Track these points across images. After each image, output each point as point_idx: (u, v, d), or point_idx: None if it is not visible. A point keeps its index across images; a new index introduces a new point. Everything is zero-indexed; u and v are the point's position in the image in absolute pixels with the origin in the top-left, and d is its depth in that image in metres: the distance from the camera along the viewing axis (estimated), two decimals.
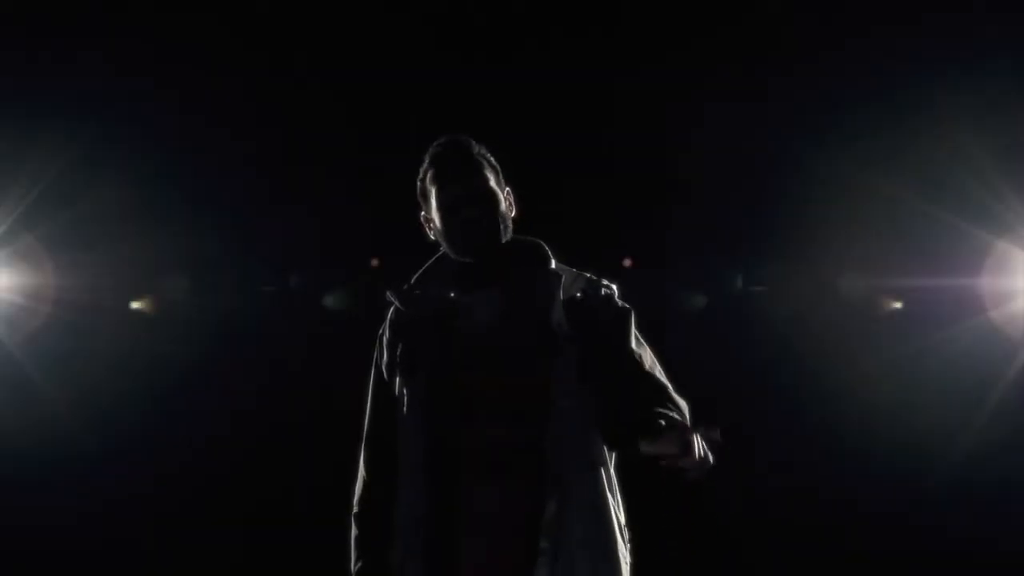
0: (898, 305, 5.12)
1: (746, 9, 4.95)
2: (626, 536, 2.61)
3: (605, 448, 2.59)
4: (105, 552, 5.02)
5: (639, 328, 2.65)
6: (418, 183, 2.71)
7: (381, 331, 2.76)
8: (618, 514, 2.59)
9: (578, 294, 2.62)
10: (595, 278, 2.68)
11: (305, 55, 5.01)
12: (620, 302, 2.65)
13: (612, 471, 2.62)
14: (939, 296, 4.95)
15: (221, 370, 5.08)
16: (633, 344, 2.61)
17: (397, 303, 2.70)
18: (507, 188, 2.71)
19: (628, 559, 2.60)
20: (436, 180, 2.66)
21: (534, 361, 2.53)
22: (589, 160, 5.04)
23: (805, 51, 4.84)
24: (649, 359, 2.62)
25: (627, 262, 5.14)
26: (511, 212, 2.70)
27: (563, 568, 2.47)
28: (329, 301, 5.23)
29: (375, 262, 5.20)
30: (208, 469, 5.07)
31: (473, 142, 2.69)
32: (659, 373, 2.60)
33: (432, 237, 2.73)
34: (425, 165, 2.70)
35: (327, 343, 5.07)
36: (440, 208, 2.64)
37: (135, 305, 5.19)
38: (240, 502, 5.12)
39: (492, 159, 2.70)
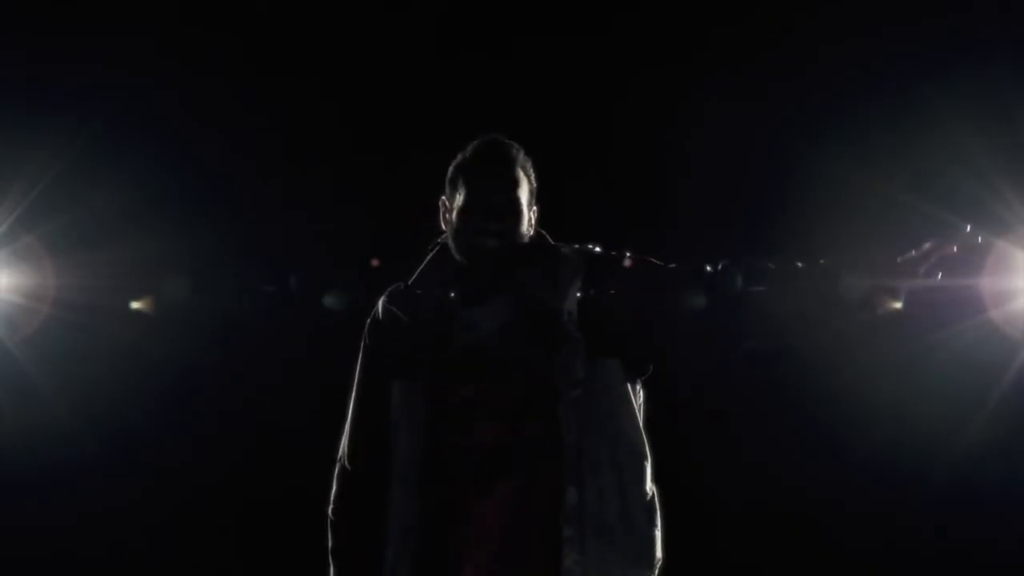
0: (898, 305, 5.11)
1: (746, 9, 4.95)
2: (656, 513, 2.56)
3: (631, 430, 2.56)
4: (105, 552, 5.02)
5: None
6: (451, 167, 2.63)
7: (371, 322, 2.67)
8: (646, 492, 2.54)
9: (590, 290, 2.59)
10: (601, 253, 2.66)
11: (305, 56, 5.01)
12: (632, 259, 2.66)
13: (641, 449, 2.57)
14: (939, 296, 4.94)
15: (221, 370, 5.08)
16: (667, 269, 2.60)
17: (396, 309, 2.62)
18: (535, 207, 2.65)
19: (659, 537, 2.55)
20: (470, 177, 2.57)
21: (535, 359, 2.50)
22: (589, 160, 5.04)
23: (805, 51, 4.84)
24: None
25: (627, 262, 5.13)
26: (529, 232, 2.63)
27: (592, 554, 2.44)
28: (329, 301, 5.23)
29: (375, 262, 5.19)
30: (208, 469, 5.07)
31: (522, 153, 2.62)
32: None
33: (443, 225, 2.67)
34: (465, 155, 2.62)
35: (327, 343, 5.07)
36: (464, 207, 2.56)
37: (135, 305, 5.19)
38: (240, 502, 5.12)
39: (532, 175, 2.63)
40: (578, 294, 2.56)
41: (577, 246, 2.69)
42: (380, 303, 2.67)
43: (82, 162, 4.85)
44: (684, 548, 5.03)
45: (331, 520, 2.63)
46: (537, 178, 2.72)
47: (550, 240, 2.68)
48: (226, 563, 5.06)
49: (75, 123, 4.83)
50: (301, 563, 5.04)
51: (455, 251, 2.62)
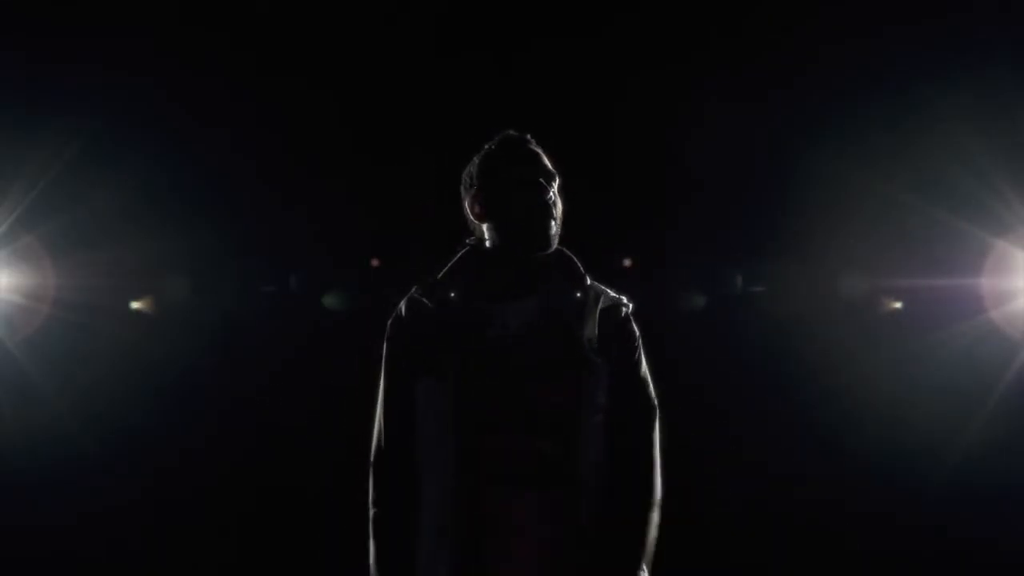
0: (898, 305, 5.12)
1: (746, 9, 4.95)
2: None
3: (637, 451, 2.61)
4: (105, 553, 5.02)
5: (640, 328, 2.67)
6: (477, 163, 2.69)
7: (394, 321, 2.68)
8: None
9: (602, 312, 2.63)
10: (615, 295, 2.69)
11: (304, 55, 5.01)
12: (634, 326, 2.68)
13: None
14: (939, 296, 4.95)
15: (221, 370, 5.08)
16: (642, 372, 2.65)
17: (425, 301, 2.63)
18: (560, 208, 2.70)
19: None
20: (512, 159, 2.65)
21: (563, 375, 2.53)
22: (589, 160, 5.04)
23: (805, 51, 4.85)
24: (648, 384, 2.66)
25: (627, 262, 5.14)
26: (558, 218, 2.68)
27: None
28: (329, 301, 5.23)
29: (375, 262, 5.20)
30: (208, 469, 5.07)
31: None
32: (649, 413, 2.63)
33: (472, 218, 2.69)
34: (493, 148, 2.68)
35: (327, 343, 5.07)
36: (513, 181, 2.62)
37: (135, 305, 5.19)
38: (240, 503, 5.12)
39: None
40: (596, 328, 2.60)
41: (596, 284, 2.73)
42: (404, 302, 2.67)
43: (82, 162, 4.85)
44: (684, 548, 5.05)
45: (373, 520, 2.61)
46: None
47: (579, 264, 2.71)
48: (226, 563, 5.06)
49: (75, 123, 4.83)
50: (301, 562, 5.06)
51: (496, 233, 2.64)
